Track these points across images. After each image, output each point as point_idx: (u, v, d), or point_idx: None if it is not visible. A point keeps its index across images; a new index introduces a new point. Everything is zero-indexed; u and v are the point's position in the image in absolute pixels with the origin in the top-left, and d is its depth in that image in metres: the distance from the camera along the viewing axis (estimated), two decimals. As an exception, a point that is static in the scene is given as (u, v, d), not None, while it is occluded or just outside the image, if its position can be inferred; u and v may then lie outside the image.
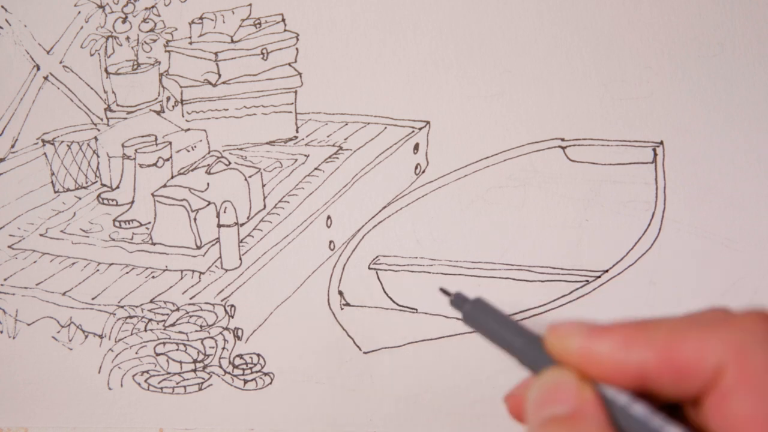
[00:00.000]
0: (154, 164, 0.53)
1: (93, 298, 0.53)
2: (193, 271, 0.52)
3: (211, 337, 0.52)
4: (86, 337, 0.53)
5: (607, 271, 0.49)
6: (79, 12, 0.53)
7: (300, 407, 0.52)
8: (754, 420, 0.26)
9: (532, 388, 0.32)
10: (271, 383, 0.52)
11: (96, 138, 0.54)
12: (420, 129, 0.51)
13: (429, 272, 0.51)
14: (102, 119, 0.54)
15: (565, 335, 0.30)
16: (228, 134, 0.53)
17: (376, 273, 0.52)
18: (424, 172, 0.51)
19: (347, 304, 0.52)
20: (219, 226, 0.52)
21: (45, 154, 0.54)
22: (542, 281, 0.50)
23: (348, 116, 0.52)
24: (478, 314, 0.39)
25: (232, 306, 0.52)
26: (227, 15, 0.52)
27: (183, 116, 0.54)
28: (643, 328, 0.28)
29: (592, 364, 0.29)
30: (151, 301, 0.53)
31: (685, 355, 0.27)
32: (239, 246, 0.52)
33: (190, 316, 0.52)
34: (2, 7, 0.53)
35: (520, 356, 0.35)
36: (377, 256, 0.52)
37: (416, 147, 0.51)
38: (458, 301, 0.40)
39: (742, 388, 0.26)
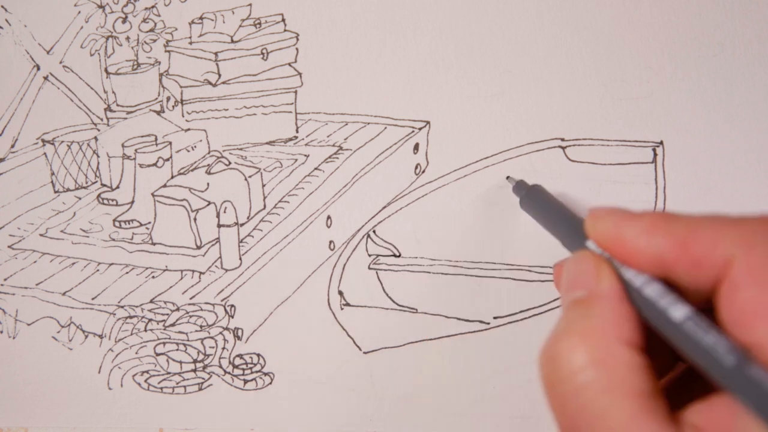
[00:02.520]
0: (154, 164, 0.53)
1: (93, 298, 0.53)
2: (193, 271, 0.53)
3: (211, 337, 0.52)
4: (86, 337, 0.53)
5: (607, 271, 0.49)
6: (79, 12, 0.53)
7: (300, 407, 0.52)
8: (756, 308, 0.27)
9: (563, 271, 0.34)
10: (271, 383, 0.52)
11: (96, 138, 0.54)
12: (420, 129, 0.51)
13: (429, 272, 0.51)
14: (102, 119, 0.54)
15: (600, 218, 0.33)
16: (228, 134, 0.53)
17: (376, 273, 0.52)
18: (424, 172, 0.51)
19: (347, 304, 0.52)
20: (219, 226, 0.52)
21: (45, 154, 0.54)
22: (542, 281, 0.50)
23: (348, 116, 0.52)
24: (531, 199, 0.44)
25: (232, 306, 0.52)
26: (227, 15, 0.53)
27: (183, 116, 0.54)
28: (666, 218, 0.30)
29: (620, 248, 0.31)
30: (151, 301, 0.53)
31: (699, 245, 0.29)
32: (239, 246, 0.52)
33: (190, 316, 0.52)
34: (2, 7, 0.53)
35: (564, 239, 0.38)
36: (377, 256, 0.52)
37: (416, 147, 0.51)
38: (518, 188, 0.47)
39: (749, 278, 0.28)
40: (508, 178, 0.49)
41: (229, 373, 0.52)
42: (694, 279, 0.30)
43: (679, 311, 0.29)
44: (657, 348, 0.32)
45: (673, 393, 0.30)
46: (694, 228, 0.30)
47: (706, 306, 0.30)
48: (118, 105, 0.54)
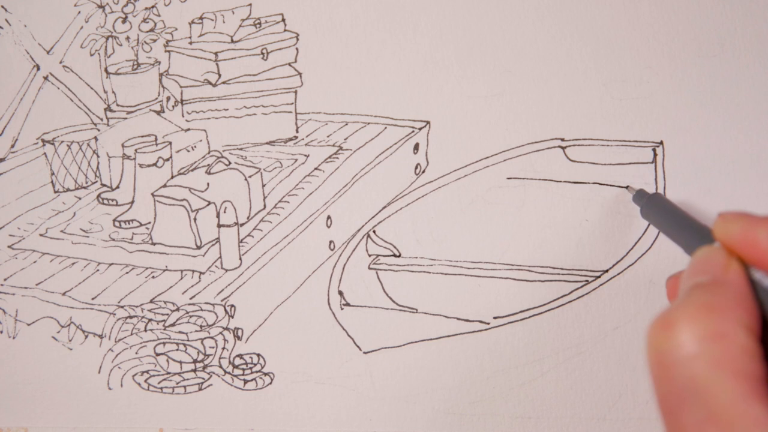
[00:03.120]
0: (154, 164, 0.53)
1: (93, 298, 0.53)
2: (193, 271, 0.53)
3: (211, 337, 0.52)
4: (86, 337, 0.53)
5: (607, 271, 0.49)
6: (79, 12, 0.53)
7: (300, 407, 0.52)
8: None
9: (690, 263, 0.34)
10: (271, 383, 0.52)
11: (96, 138, 0.54)
12: (420, 129, 0.51)
13: (429, 272, 0.51)
14: (102, 119, 0.54)
15: (731, 220, 0.33)
16: (228, 134, 0.53)
17: (376, 273, 0.52)
18: (424, 172, 0.51)
19: (347, 304, 0.52)
20: (219, 226, 0.52)
21: (45, 154, 0.54)
22: (542, 281, 0.50)
23: (348, 116, 0.52)
24: (653, 207, 0.44)
25: (232, 306, 0.52)
26: (227, 15, 0.53)
27: (183, 116, 0.54)
28: None
29: (751, 249, 0.31)
30: (151, 301, 0.53)
31: None
32: (239, 246, 0.52)
33: (190, 316, 0.52)
34: (2, 7, 0.53)
35: (688, 245, 0.38)
36: (377, 256, 0.52)
37: (416, 147, 0.51)
38: (638, 197, 0.47)
39: None
40: (627, 187, 0.49)
41: (229, 373, 0.52)
42: None
43: None
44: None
45: None
46: None
47: None
48: (118, 105, 0.54)
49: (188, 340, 0.52)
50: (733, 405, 0.27)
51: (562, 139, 0.50)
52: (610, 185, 0.50)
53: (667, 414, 0.29)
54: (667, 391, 0.29)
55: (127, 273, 0.53)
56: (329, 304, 0.52)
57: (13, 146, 0.54)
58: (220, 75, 0.53)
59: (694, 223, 0.40)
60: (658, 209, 0.45)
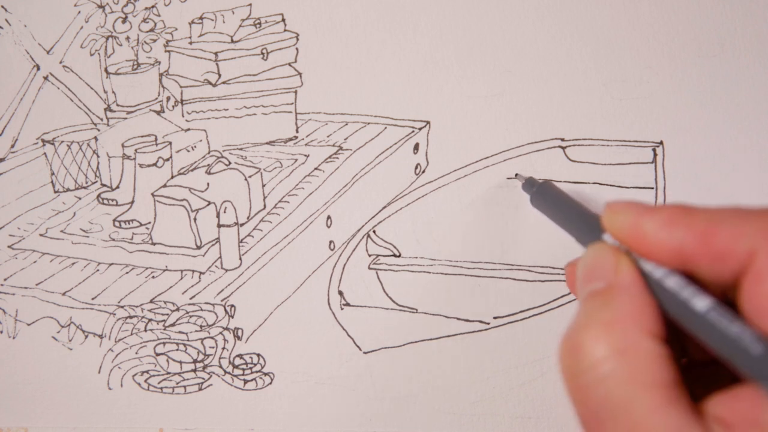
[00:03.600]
0: (154, 164, 0.53)
1: (93, 298, 0.53)
2: (193, 271, 0.53)
3: (211, 337, 0.52)
4: (86, 337, 0.53)
5: (607, 271, 0.49)
6: (79, 12, 0.53)
7: (300, 407, 0.52)
8: None
9: (578, 265, 0.34)
10: (271, 383, 0.52)
11: (96, 138, 0.54)
12: (420, 129, 0.51)
13: (429, 272, 0.51)
14: (102, 119, 0.54)
15: (618, 211, 0.32)
16: (228, 134, 0.53)
17: (376, 273, 0.52)
18: (424, 172, 0.51)
19: (347, 304, 0.52)
20: (219, 226, 0.52)
21: (45, 154, 0.54)
22: (542, 281, 0.50)
23: (348, 116, 0.52)
24: (542, 195, 0.43)
25: (232, 306, 0.52)
26: (227, 15, 0.53)
27: (183, 116, 0.54)
28: (686, 212, 0.30)
29: (639, 241, 0.31)
30: (151, 301, 0.53)
31: (721, 238, 0.29)
32: (239, 246, 0.52)
33: (190, 316, 0.52)
34: (2, 7, 0.53)
35: (578, 234, 0.38)
36: (377, 256, 0.52)
37: (416, 147, 0.51)
38: (528, 185, 0.46)
39: None
40: (516, 175, 0.48)
41: (229, 373, 0.52)
42: (715, 272, 0.29)
43: (702, 302, 0.29)
44: (671, 345, 0.31)
45: (692, 388, 0.30)
46: (715, 221, 0.29)
47: (723, 299, 0.30)
48: (118, 105, 0.54)
49: (188, 340, 0.52)
50: (650, 417, 0.27)
51: (562, 139, 0.50)
52: (610, 185, 0.50)
53: None
54: (586, 412, 0.29)
55: (127, 273, 0.53)
56: (329, 304, 0.52)
57: (13, 146, 0.54)
58: (220, 75, 0.53)
59: (585, 213, 0.39)
60: (549, 198, 0.44)
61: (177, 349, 0.53)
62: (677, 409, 0.27)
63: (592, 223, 0.36)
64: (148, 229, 0.53)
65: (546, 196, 0.45)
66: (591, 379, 0.29)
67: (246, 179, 0.52)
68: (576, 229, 0.39)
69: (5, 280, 0.54)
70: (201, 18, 0.53)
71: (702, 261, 0.29)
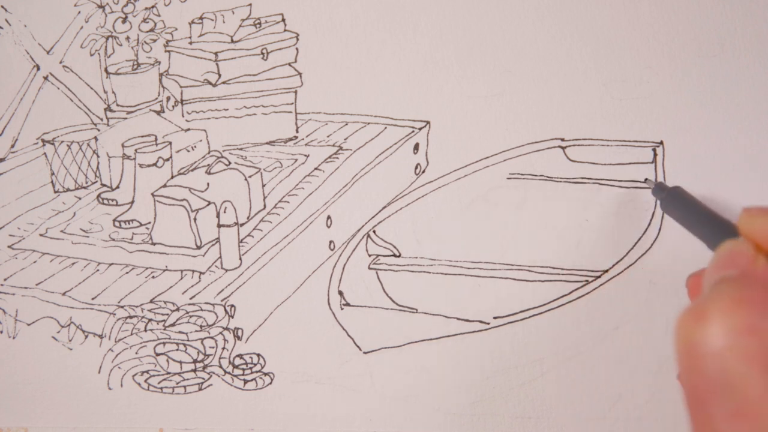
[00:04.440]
0: (154, 164, 0.53)
1: (93, 298, 0.53)
2: (193, 271, 0.53)
3: (211, 337, 0.52)
4: (86, 337, 0.53)
5: (607, 271, 0.49)
6: (79, 12, 0.53)
7: (300, 407, 0.52)
8: None
9: (712, 260, 0.34)
10: (271, 383, 0.52)
11: (96, 138, 0.54)
12: (420, 129, 0.51)
13: (429, 272, 0.51)
14: (102, 119, 0.54)
15: (756, 214, 0.33)
16: (228, 134, 0.53)
17: (376, 273, 0.52)
18: (424, 172, 0.51)
19: (347, 304, 0.52)
20: (219, 226, 0.52)
21: (45, 154, 0.54)
22: (542, 281, 0.50)
23: (348, 116, 0.52)
24: (674, 200, 0.44)
25: (232, 306, 0.52)
26: (227, 15, 0.53)
27: (183, 116, 0.54)
28: None
29: None
30: (151, 301, 0.53)
31: None
32: (239, 246, 0.52)
33: (190, 316, 0.52)
34: (2, 7, 0.53)
35: (710, 239, 0.38)
36: (377, 256, 0.52)
37: (416, 147, 0.51)
38: (657, 190, 0.47)
39: None
40: (646, 180, 0.49)
41: (229, 373, 0.52)
42: None
43: None
44: None
45: None
46: None
47: None
48: (118, 105, 0.54)
49: (188, 340, 0.52)
50: (764, 399, 0.27)
51: (562, 139, 0.50)
52: (610, 185, 0.50)
53: (694, 405, 0.29)
54: (697, 382, 0.29)
55: (127, 273, 0.53)
56: (329, 304, 0.52)
57: (13, 146, 0.54)
58: (220, 75, 0.53)
59: (717, 217, 0.39)
60: (679, 203, 0.45)
61: (177, 349, 0.53)
62: None
63: (727, 228, 0.37)
64: (148, 229, 0.53)
65: (678, 201, 0.45)
66: (711, 349, 0.28)
67: (246, 179, 0.52)
68: (709, 233, 0.39)
69: (5, 280, 0.54)
70: (201, 18, 0.53)
71: None
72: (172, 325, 0.53)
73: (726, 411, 0.28)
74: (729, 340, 0.28)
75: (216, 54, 0.53)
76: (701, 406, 0.29)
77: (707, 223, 0.40)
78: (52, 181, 0.54)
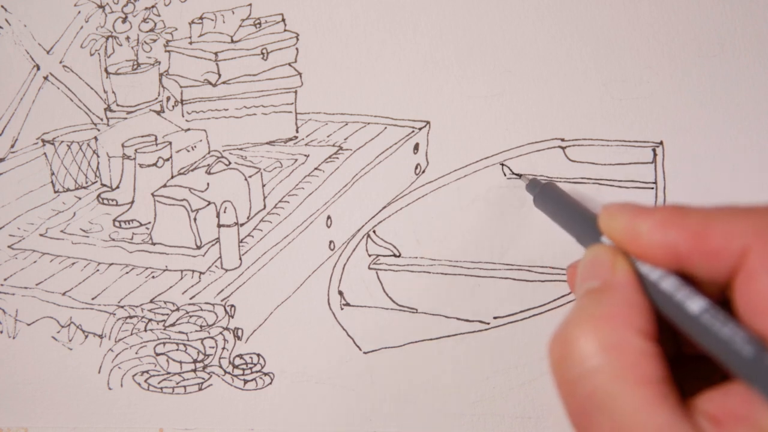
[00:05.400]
0: (154, 164, 0.53)
1: (93, 298, 0.53)
2: (193, 271, 0.53)
3: (211, 337, 0.52)
4: (86, 337, 0.53)
5: (607, 271, 0.49)
6: (79, 12, 0.53)
7: (300, 407, 0.52)
8: None
9: (579, 265, 0.34)
10: (271, 383, 0.52)
11: (96, 138, 0.54)
12: (420, 129, 0.51)
13: (429, 272, 0.51)
14: (102, 119, 0.54)
15: (614, 213, 0.33)
16: (228, 134, 0.53)
17: (376, 273, 0.52)
18: (424, 172, 0.51)
19: (347, 304, 0.52)
20: (219, 226, 0.52)
21: (45, 154, 0.54)
22: (542, 281, 0.50)
23: (348, 116, 0.52)
24: (545, 196, 0.44)
25: (232, 306, 0.52)
26: (227, 15, 0.53)
27: (183, 116, 0.54)
28: (680, 212, 0.31)
29: (634, 242, 0.32)
30: (151, 301, 0.53)
31: (714, 237, 0.29)
32: (239, 246, 0.52)
33: (190, 316, 0.52)
34: (2, 7, 0.53)
35: (578, 235, 0.38)
36: (377, 256, 0.52)
37: (416, 147, 0.51)
38: (531, 186, 0.47)
39: (766, 268, 0.28)
40: (521, 176, 0.49)
41: (229, 373, 0.52)
42: (710, 271, 0.30)
43: (696, 304, 0.30)
44: (664, 340, 0.32)
45: (683, 382, 0.30)
46: (708, 220, 0.30)
47: (720, 299, 0.30)
48: (118, 105, 0.54)
49: (188, 340, 0.52)
50: (638, 414, 0.27)
51: (562, 139, 0.50)
52: (610, 185, 0.50)
53: (576, 428, 0.30)
54: (574, 407, 0.30)
55: (127, 273, 0.53)
56: (329, 304, 0.52)
57: (13, 146, 0.54)
58: (220, 75, 0.53)
59: (586, 215, 0.40)
60: (551, 199, 0.45)
61: (177, 349, 0.53)
62: (664, 406, 0.27)
63: (592, 224, 0.37)
64: (148, 229, 0.53)
65: (549, 197, 0.45)
66: (579, 374, 0.29)
67: (246, 179, 0.52)
68: (576, 230, 0.40)
69: (5, 280, 0.54)
70: (201, 18, 0.53)
71: (696, 260, 0.30)
72: (172, 325, 0.53)
73: (605, 431, 0.28)
74: (595, 362, 0.29)
75: (216, 54, 0.53)
76: (582, 428, 0.29)
77: (577, 221, 0.40)
78: (52, 181, 0.54)
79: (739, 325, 0.28)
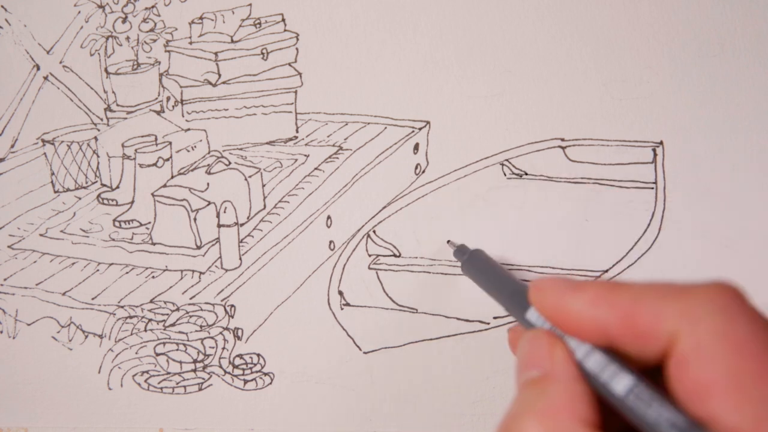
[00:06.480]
0: (154, 164, 0.53)
1: (93, 298, 0.53)
2: (193, 271, 0.53)
3: (211, 337, 0.52)
4: (86, 337, 0.53)
5: (607, 271, 0.49)
6: (79, 12, 0.53)
7: (300, 407, 0.52)
8: (706, 386, 0.27)
9: (518, 349, 0.34)
10: (271, 383, 0.52)
11: (96, 138, 0.54)
12: (420, 129, 0.51)
13: (429, 272, 0.51)
14: (102, 119, 0.54)
15: (543, 290, 0.33)
16: (228, 134, 0.53)
17: (376, 273, 0.52)
18: (424, 172, 0.51)
19: (347, 304, 0.52)
20: (219, 226, 0.52)
21: (45, 154, 0.54)
22: (542, 281, 0.50)
23: (348, 116, 0.52)
24: (474, 264, 0.44)
25: (232, 306, 0.52)
26: (227, 15, 0.53)
27: (183, 116, 0.54)
28: (611, 289, 0.30)
29: (564, 319, 0.31)
30: (151, 301, 0.53)
31: (643, 319, 0.29)
32: (239, 246, 0.52)
33: (190, 316, 0.52)
34: (2, 7, 0.53)
35: (506, 305, 0.38)
36: (377, 256, 0.52)
37: (416, 147, 0.51)
38: (459, 252, 0.47)
39: (695, 355, 0.27)
40: (448, 242, 0.49)
41: (229, 373, 0.52)
42: (641, 350, 0.29)
43: (621, 384, 0.29)
44: (610, 411, 0.32)
45: None
46: (637, 300, 0.29)
47: (657, 366, 0.30)
48: (118, 105, 0.54)
49: (188, 340, 0.52)
50: None
51: (562, 139, 0.50)
52: (610, 185, 0.50)
53: None
54: None
55: (127, 273, 0.53)
56: (329, 304, 0.52)
57: (13, 146, 0.54)
58: (220, 75, 0.53)
59: (515, 285, 0.39)
60: (479, 267, 0.45)
61: (177, 349, 0.53)
62: None
63: (522, 296, 0.36)
64: (148, 229, 0.53)
65: (477, 265, 0.45)
66: None
67: (246, 179, 0.52)
68: (505, 300, 0.39)
69: (5, 280, 0.54)
70: (201, 18, 0.53)
71: (627, 341, 0.29)
72: (172, 325, 0.53)
73: None
74: None
75: (216, 54, 0.53)
76: None
77: (505, 291, 0.40)
78: (52, 181, 0.54)
79: (666, 404, 0.28)
